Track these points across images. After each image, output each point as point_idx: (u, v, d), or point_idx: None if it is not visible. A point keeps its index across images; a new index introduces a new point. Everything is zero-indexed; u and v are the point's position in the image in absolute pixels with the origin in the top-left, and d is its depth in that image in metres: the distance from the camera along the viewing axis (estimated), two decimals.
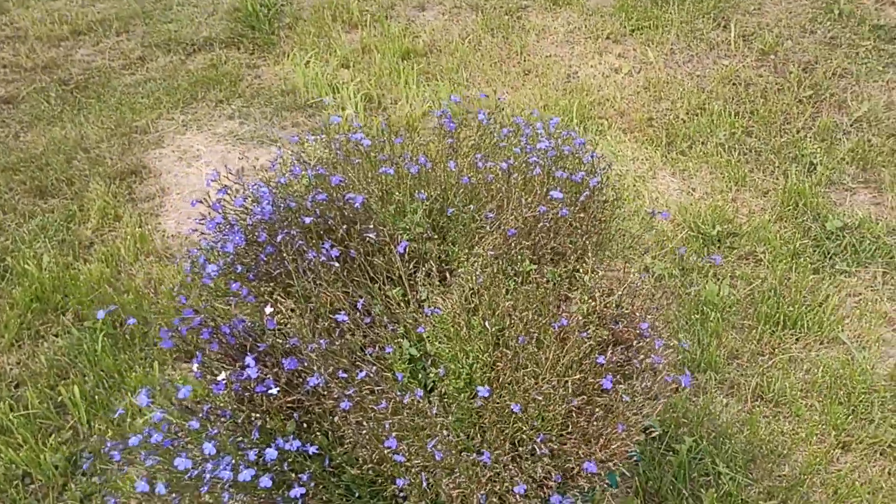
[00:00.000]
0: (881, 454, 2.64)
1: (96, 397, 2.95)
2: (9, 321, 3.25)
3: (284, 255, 2.08)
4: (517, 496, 1.61)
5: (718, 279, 3.35)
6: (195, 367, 2.01)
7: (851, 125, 4.32)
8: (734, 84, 4.76)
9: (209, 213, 2.30)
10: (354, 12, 5.47)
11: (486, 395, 1.73)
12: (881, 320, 3.16)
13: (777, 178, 3.95)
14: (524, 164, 2.36)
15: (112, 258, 3.56)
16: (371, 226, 2.15)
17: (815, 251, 3.50)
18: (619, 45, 5.24)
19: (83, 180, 4.01)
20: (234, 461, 1.62)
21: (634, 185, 3.92)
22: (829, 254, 3.48)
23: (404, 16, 5.55)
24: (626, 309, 2.08)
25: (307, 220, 2.10)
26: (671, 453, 2.61)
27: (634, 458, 2.23)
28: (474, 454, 1.75)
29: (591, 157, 2.37)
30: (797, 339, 3.09)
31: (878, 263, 3.43)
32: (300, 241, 2.10)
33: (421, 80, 4.82)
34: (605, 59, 5.12)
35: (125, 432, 2.85)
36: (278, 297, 2.20)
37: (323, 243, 2.09)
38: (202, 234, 2.31)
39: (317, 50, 5.05)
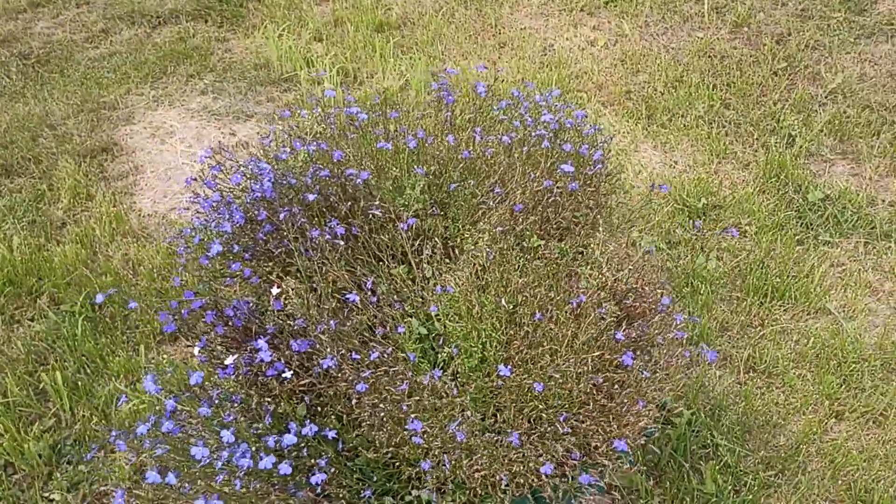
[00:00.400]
0: (874, 422, 2.69)
1: (79, 383, 2.85)
2: None
3: (286, 233, 2.02)
4: (543, 476, 1.58)
5: (705, 252, 3.36)
6: (197, 351, 1.94)
7: (826, 97, 4.35)
8: (709, 56, 4.76)
9: (203, 192, 2.21)
10: None
11: (507, 374, 1.70)
12: (866, 290, 3.20)
13: (757, 151, 3.97)
14: (528, 138, 2.32)
15: (86, 239, 3.43)
16: (376, 202, 2.09)
17: (798, 223, 3.53)
18: (593, 18, 5.20)
19: (51, 158, 3.86)
20: (252, 448, 1.56)
21: (617, 159, 3.91)
22: (811, 225, 3.52)
23: None
24: (635, 284, 2.06)
25: (310, 197, 2.03)
26: (669, 426, 2.62)
27: (655, 434, 2.23)
28: (495, 434, 1.72)
29: (594, 129, 2.34)
30: (785, 310, 3.12)
31: (859, 234, 3.47)
32: (302, 219, 2.03)
33: (396, 54, 4.73)
34: (581, 31, 5.08)
35: (110, 418, 2.76)
36: (279, 277, 2.14)
37: (328, 221, 2.03)
38: (198, 212, 2.23)
39: (288, 23, 4.92)
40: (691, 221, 3.51)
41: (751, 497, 2.39)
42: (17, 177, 3.77)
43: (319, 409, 1.81)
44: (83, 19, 4.99)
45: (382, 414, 1.68)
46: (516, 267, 1.98)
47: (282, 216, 2.00)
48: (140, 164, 3.84)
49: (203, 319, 1.92)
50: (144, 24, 4.96)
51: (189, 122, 4.06)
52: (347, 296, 1.87)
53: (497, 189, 2.18)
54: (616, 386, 1.76)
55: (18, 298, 3.18)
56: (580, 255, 2.16)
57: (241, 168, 2.25)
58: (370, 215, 2.10)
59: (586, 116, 2.42)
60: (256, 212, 2.10)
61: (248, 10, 5.13)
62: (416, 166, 2.36)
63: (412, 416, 1.66)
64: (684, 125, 4.16)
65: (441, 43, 4.91)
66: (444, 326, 1.95)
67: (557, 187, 2.07)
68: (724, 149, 3.97)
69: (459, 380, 1.89)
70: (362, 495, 1.73)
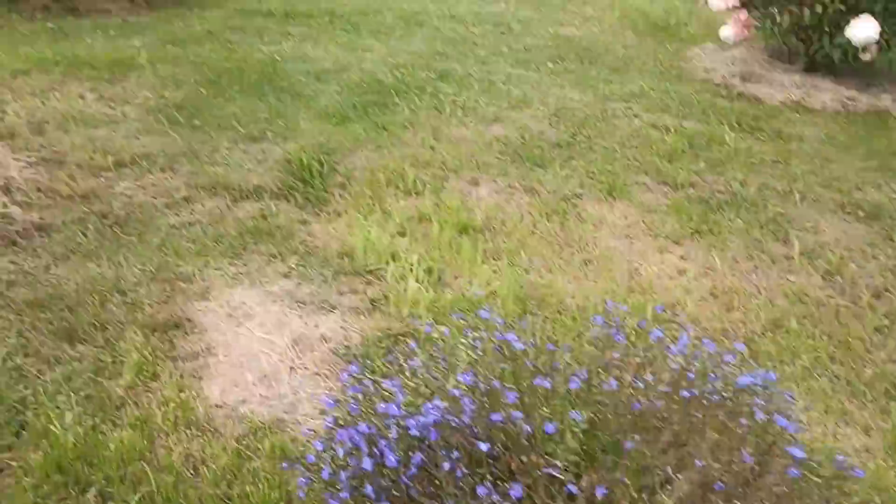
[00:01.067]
0: None
1: None
2: (21, 494, 2.72)
3: (445, 485, 1.68)
4: None
5: None
6: None
7: None
8: (804, 303, 4.57)
9: (344, 416, 1.90)
10: (409, 179, 5.31)
11: None
12: None
13: (877, 415, 3.66)
14: (705, 393, 2.03)
15: (146, 425, 3.08)
16: (555, 461, 1.77)
17: None
18: (680, 247, 5.08)
19: (118, 327, 3.58)
20: None
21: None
22: None
23: (458, 189, 5.39)
24: None
25: (483, 446, 1.71)
26: None
27: None
28: None
29: (789, 396, 2.05)
30: None
31: None
32: (464, 470, 1.70)
33: (481, 258, 4.57)
34: (667, 258, 4.94)
35: None
36: None
37: (494, 475, 1.70)
38: (336, 442, 1.90)
39: (372, 214, 4.81)
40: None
41: None
42: (80, 343, 3.48)
43: None
44: (166, 184, 4.90)
45: None
46: None
47: (446, 466, 1.67)
48: (213, 345, 3.55)
49: None
50: (227, 197, 4.87)
51: (270, 306, 3.81)
52: None
53: (700, 462, 1.86)
54: None
55: (65, 488, 2.78)
56: None
57: (386, 394, 1.95)
58: (542, 474, 1.76)
59: (775, 381, 2.14)
60: (410, 452, 1.77)
61: (331, 194, 5.06)
62: (572, 409, 2.06)
63: None
64: (792, 375, 3.88)
65: (525, 252, 4.76)
66: None
67: (778, 467, 1.75)
68: (841, 408, 3.67)
69: None
70: None
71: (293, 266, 4.18)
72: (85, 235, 4.23)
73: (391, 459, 1.74)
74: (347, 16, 9.16)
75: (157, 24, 7.98)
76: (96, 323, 3.59)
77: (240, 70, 6.89)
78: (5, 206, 4.17)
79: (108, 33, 7.62)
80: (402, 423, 1.83)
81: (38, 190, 4.59)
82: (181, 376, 3.34)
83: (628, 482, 1.95)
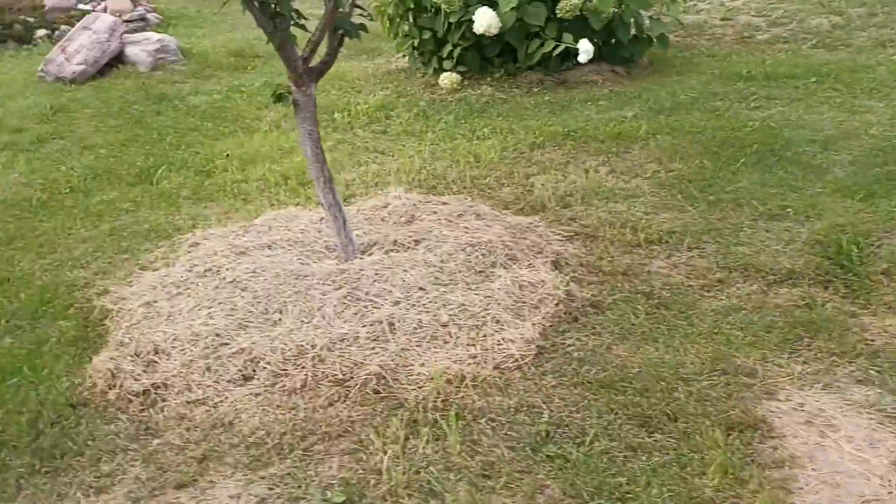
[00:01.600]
0: None
1: None
2: None
3: None
4: None
5: None
6: None
7: None
8: None
9: None
10: None
11: None
12: None
13: None
14: None
15: None
16: None
17: None
18: None
19: (690, 419, 3.52)
20: None
21: None
22: None
23: None
24: None
25: None
26: None
27: None
28: None
29: None
30: None
31: None
32: None
33: None
34: None
35: None
36: None
37: None
38: None
39: None
40: None
41: None
42: (656, 433, 3.48)
43: None
44: (696, 264, 4.84)
45: None
46: None
47: None
48: (796, 455, 3.31)
49: None
50: (759, 280, 4.64)
51: (854, 417, 3.47)
52: None
53: None
54: None
55: None
56: None
57: None
58: None
59: None
60: None
61: (878, 284, 4.56)
62: None
63: None
64: None
65: None
66: None
67: None
68: None
69: None
70: None
71: (865, 369, 3.79)
72: (636, 315, 4.30)
73: None
74: (835, 74, 8.50)
75: (642, 93, 8.16)
76: (668, 412, 3.58)
77: (738, 139, 6.70)
78: (567, 283, 4.42)
79: (598, 104, 7.96)
80: None
81: (581, 265, 4.82)
82: (771, 487, 3.15)
83: None
